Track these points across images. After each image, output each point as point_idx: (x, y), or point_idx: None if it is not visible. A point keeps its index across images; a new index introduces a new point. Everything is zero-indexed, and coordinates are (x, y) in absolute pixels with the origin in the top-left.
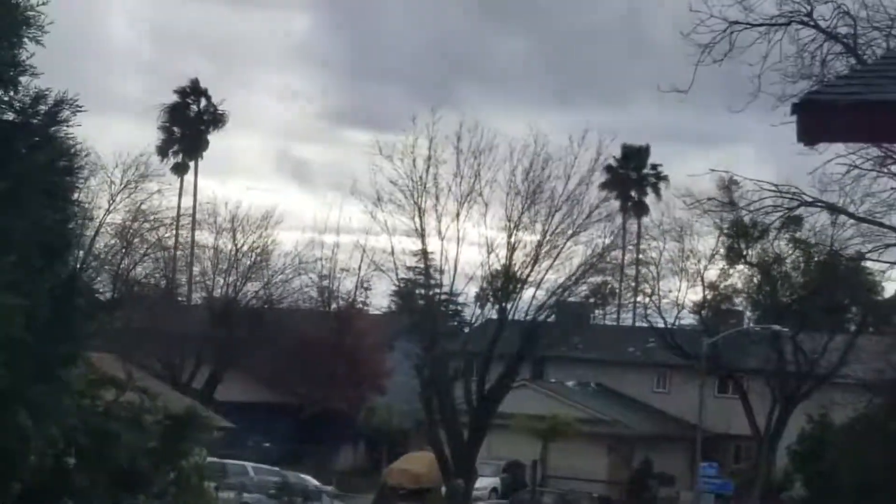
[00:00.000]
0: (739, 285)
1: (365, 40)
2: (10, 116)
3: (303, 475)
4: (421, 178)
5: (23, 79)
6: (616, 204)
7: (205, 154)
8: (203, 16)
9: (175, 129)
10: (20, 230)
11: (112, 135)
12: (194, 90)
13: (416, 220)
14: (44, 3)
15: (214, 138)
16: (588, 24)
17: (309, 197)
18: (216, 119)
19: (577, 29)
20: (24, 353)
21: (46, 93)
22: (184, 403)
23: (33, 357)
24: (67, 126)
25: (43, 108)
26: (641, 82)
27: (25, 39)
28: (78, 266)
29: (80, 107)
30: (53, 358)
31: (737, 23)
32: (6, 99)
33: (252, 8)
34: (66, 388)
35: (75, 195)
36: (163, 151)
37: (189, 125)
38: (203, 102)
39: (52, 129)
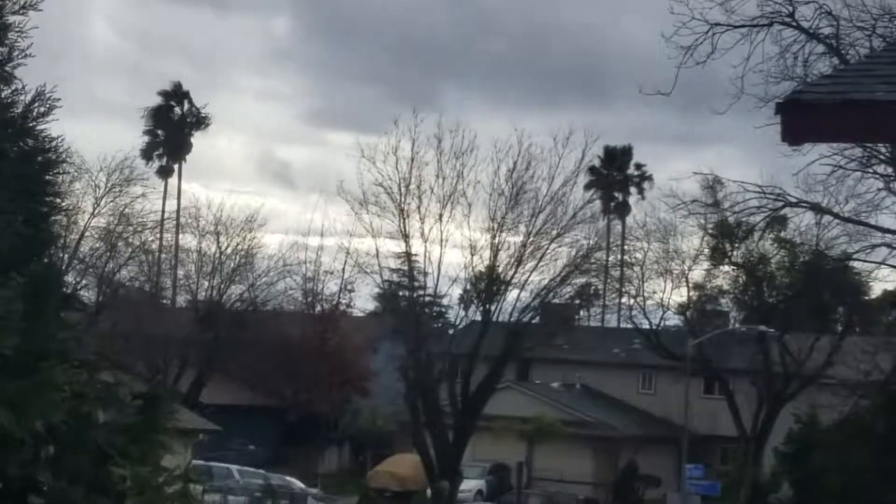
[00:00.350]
0: (725, 286)
1: (344, 41)
2: None
3: (288, 478)
4: (404, 179)
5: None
6: (600, 205)
7: (188, 157)
8: (183, 19)
9: (158, 132)
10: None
11: (96, 138)
12: (177, 93)
13: (400, 222)
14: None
15: (198, 141)
16: (571, 24)
17: (292, 199)
18: (199, 121)
19: (558, 29)
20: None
21: (23, 88)
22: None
23: (12, 353)
24: (45, 122)
25: (21, 102)
26: (624, 83)
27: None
28: (56, 262)
29: (58, 101)
30: (33, 354)
31: (718, 24)
32: None
33: (231, 11)
34: (48, 383)
35: (54, 190)
36: (147, 154)
37: (172, 128)
38: (186, 105)
39: (30, 123)
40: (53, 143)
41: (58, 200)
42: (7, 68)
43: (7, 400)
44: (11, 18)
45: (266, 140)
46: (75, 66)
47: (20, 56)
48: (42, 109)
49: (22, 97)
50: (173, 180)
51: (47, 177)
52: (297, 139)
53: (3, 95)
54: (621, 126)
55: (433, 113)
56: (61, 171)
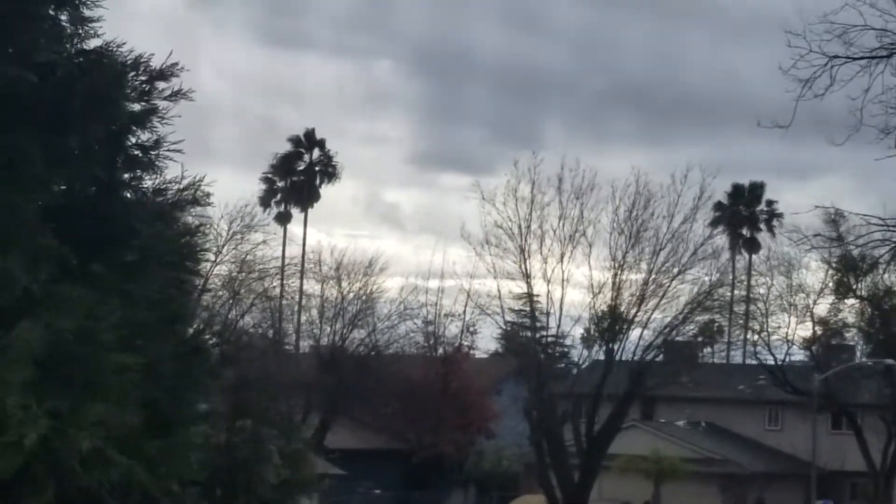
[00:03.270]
0: (850, 319)
1: (444, 81)
2: (129, 195)
3: None
4: (525, 219)
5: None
6: (721, 241)
7: (316, 204)
8: (284, 63)
9: (281, 179)
10: (143, 297)
11: (215, 186)
12: (310, 140)
13: (521, 262)
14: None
15: (326, 188)
16: (674, 61)
17: (404, 241)
18: (328, 171)
19: (662, 65)
20: (146, 411)
21: (176, 180)
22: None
23: (159, 414)
24: (195, 207)
25: (172, 189)
26: (734, 117)
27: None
28: (199, 328)
29: (210, 195)
30: (178, 415)
31: (836, 57)
32: (133, 182)
33: (332, 55)
34: (187, 443)
35: (195, 270)
36: (265, 202)
37: (301, 175)
38: (316, 152)
39: (178, 212)
40: (199, 228)
41: (195, 281)
42: (151, 155)
43: (146, 459)
44: (161, 104)
45: (375, 183)
46: (182, 111)
47: (169, 146)
48: (190, 196)
49: (175, 186)
50: (291, 226)
51: (187, 263)
52: (405, 181)
53: (152, 182)
54: (735, 160)
55: (540, 151)
56: (202, 259)
